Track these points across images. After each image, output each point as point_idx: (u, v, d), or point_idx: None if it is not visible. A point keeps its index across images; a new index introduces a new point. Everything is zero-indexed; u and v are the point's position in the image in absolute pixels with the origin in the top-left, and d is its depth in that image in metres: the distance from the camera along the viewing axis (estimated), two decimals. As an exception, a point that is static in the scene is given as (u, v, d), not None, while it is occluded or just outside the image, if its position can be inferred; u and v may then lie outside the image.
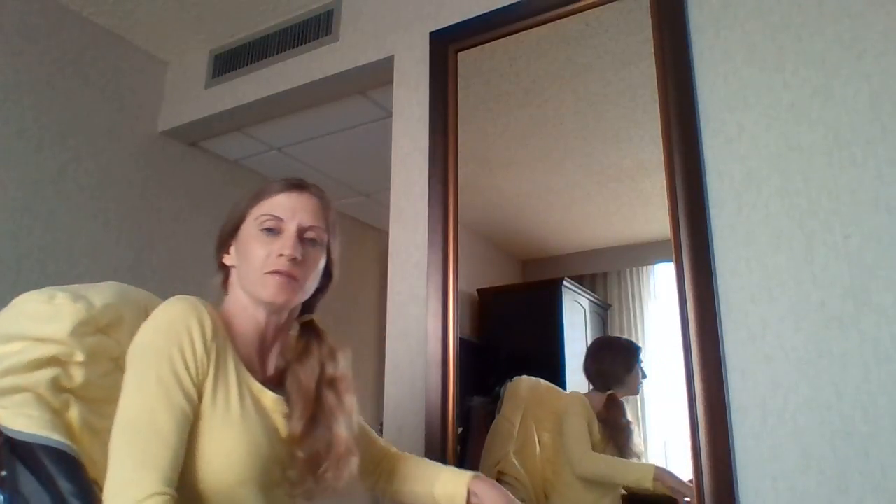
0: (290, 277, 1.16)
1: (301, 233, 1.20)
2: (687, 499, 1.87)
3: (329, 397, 1.21)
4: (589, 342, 2.54)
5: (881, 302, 1.44)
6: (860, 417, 1.42)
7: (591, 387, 2.08)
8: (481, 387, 2.52)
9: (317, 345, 1.27)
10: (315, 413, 1.18)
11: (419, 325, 2.01)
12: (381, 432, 1.97)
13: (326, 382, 1.23)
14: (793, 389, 1.49)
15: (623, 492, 1.94)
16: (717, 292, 1.61)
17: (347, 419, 1.22)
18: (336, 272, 1.30)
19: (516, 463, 2.20)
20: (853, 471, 1.40)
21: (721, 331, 1.59)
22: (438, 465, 1.40)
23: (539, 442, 2.19)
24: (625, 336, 2.47)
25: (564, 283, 2.56)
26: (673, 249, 1.68)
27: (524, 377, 2.39)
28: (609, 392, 2.01)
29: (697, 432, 1.55)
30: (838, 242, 1.51)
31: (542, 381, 2.44)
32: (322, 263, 1.25)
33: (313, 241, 1.22)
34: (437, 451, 1.88)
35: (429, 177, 2.15)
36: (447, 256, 2.01)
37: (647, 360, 2.43)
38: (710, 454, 1.53)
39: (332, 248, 1.27)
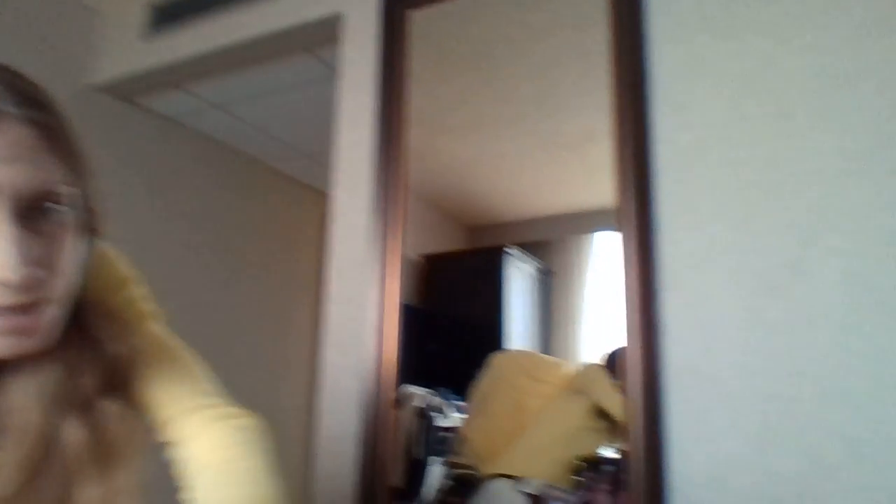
0: (19, 330, 0.65)
1: (20, 211, 0.64)
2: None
3: (70, 431, 0.71)
4: (532, 308, 2.55)
5: (815, 271, 1.47)
6: (785, 382, 1.45)
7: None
8: (422, 355, 2.52)
9: (76, 344, 0.75)
10: (39, 467, 0.69)
11: (360, 290, 1.98)
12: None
13: (76, 403, 0.73)
14: (724, 354, 1.52)
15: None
16: (658, 260, 1.62)
17: (104, 472, 0.74)
18: (99, 219, 0.78)
19: (475, 427, 2.24)
20: (776, 434, 1.44)
21: (660, 300, 1.60)
22: None
23: (522, 408, 2.21)
24: (567, 305, 2.50)
25: (509, 249, 2.56)
26: (617, 217, 1.68)
27: (506, 351, 2.41)
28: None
29: (632, 396, 1.57)
30: (779, 213, 1.53)
31: (528, 352, 2.45)
32: (77, 242, 0.72)
33: (50, 212, 0.67)
34: (374, 417, 1.86)
35: (375, 139, 2.10)
36: (393, 221, 1.97)
37: (588, 330, 2.46)
38: (642, 416, 1.55)
39: (88, 193, 0.74)
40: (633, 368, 1.58)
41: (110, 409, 0.77)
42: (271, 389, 2.13)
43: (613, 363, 1.69)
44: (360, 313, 1.96)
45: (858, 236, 1.45)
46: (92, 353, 0.76)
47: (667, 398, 1.55)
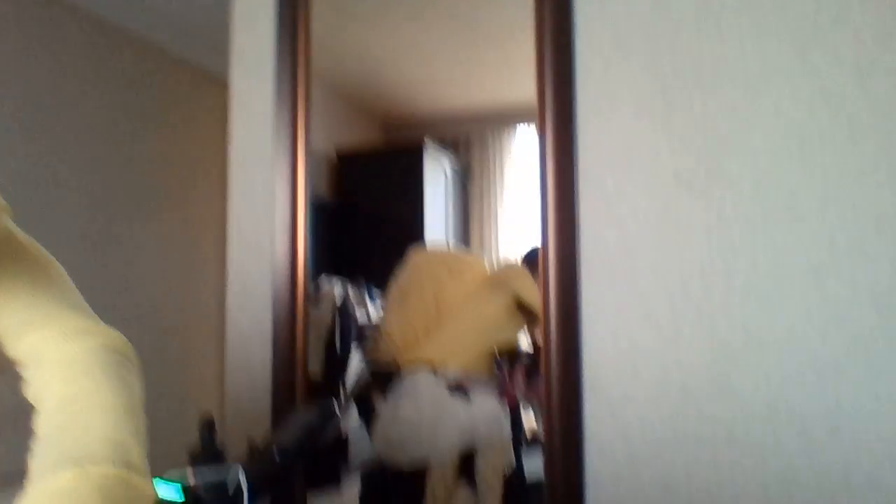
0: None
1: None
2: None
3: None
4: (449, 206, 2.55)
5: (729, 170, 1.51)
6: (697, 278, 1.51)
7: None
8: (339, 252, 2.48)
9: None
10: None
11: (265, 186, 1.89)
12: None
13: None
14: (640, 252, 1.56)
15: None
16: (577, 159, 1.62)
17: None
18: None
19: (394, 321, 2.28)
20: (686, 325, 1.51)
21: (577, 197, 1.61)
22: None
23: (441, 303, 2.23)
24: (485, 201, 2.51)
25: (427, 144, 2.51)
26: (537, 114, 1.65)
27: (425, 247, 2.40)
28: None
29: (548, 291, 1.60)
30: (696, 112, 1.54)
31: (447, 248, 2.44)
32: None
33: None
34: (287, 312, 1.83)
35: (277, 21, 1.95)
36: (296, 110, 1.86)
37: (505, 226, 2.48)
38: (558, 310, 1.59)
39: None
40: (550, 265, 1.60)
41: None
42: (184, 288, 2.06)
43: (533, 261, 1.71)
44: (268, 210, 1.88)
45: (775, 137, 1.49)
46: None
47: (582, 293, 1.59)
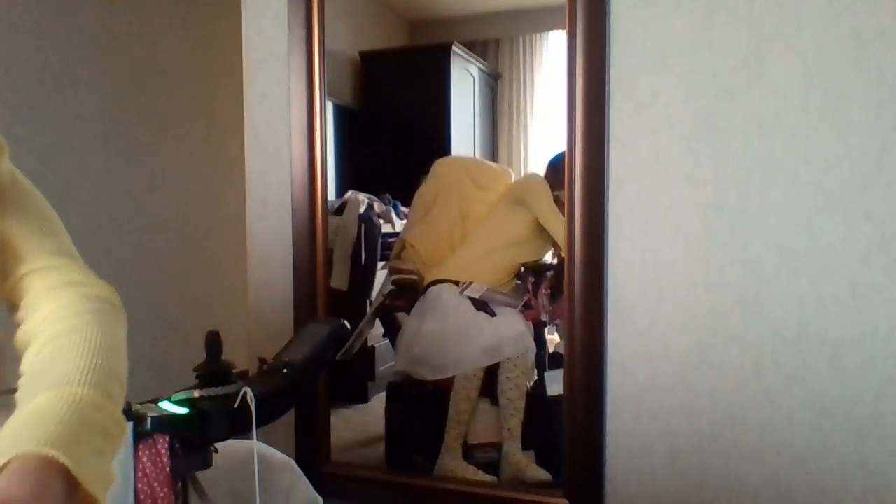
0: None
1: None
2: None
3: None
4: (478, 112, 2.44)
5: (774, 75, 1.38)
6: (733, 193, 1.42)
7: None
8: (364, 164, 2.42)
9: None
10: None
11: (281, 86, 1.80)
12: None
13: None
14: (673, 162, 1.46)
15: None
16: (609, 60, 1.50)
17: None
18: None
19: (419, 232, 2.22)
20: (717, 244, 1.43)
21: (609, 101, 1.50)
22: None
23: (466, 215, 2.18)
24: (514, 109, 2.39)
25: (454, 48, 2.38)
26: (567, 8, 1.52)
27: (450, 157, 2.32)
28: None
29: (573, 205, 1.53)
30: (741, 7, 1.40)
31: (473, 159, 2.37)
32: None
33: None
34: (306, 221, 1.79)
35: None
36: (311, 6, 1.74)
37: (535, 135, 2.37)
38: (583, 225, 1.52)
39: None
40: (577, 176, 1.52)
41: None
42: (208, 196, 2.03)
43: (558, 167, 1.62)
44: (284, 111, 1.80)
45: (823, 35, 1.35)
46: None
47: (609, 207, 1.51)
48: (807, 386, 1.38)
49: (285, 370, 1.10)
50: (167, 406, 0.99)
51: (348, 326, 1.20)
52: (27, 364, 0.69)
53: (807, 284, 1.37)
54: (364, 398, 2.33)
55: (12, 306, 0.78)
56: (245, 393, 1.02)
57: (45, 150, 1.60)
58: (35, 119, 1.58)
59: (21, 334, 0.75)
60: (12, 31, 1.52)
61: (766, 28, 1.38)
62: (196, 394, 1.01)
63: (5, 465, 0.53)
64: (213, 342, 1.09)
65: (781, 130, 1.38)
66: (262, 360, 1.15)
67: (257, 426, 1.03)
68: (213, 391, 1.02)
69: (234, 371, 1.08)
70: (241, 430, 1.03)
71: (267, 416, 1.06)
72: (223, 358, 1.10)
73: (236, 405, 1.01)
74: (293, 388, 1.10)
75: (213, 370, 1.07)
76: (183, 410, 1.00)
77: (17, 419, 0.59)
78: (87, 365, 0.66)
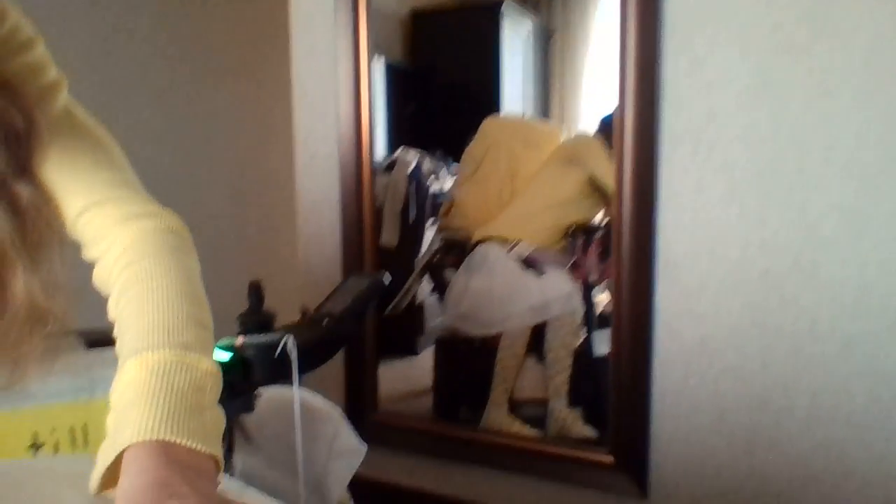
0: None
1: None
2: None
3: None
4: (528, 71, 2.39)
5: (838, 27, 1.30)
6: (792, 152, 1.35)
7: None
8: (415, 121, 2.41)
9: None
10: None
11: (327, 44, 1.80)
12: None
13: None
14: (729, 120, 1.40)
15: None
16: (663, 13, 1.44)
17: (34, 260, 0.68)
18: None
19: (467, 191, 2.22)
20: (774, 204, 1.37)
21: (661, 58, 1.45)
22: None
23: (515, 174, 2.15)
24: (567, 67, 2.33)
25: (506, 4, 2.32)
26: (621, -39, 1.47)
27: (499, 116, 2.30)
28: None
29: (623, 164, 1.49)
30: (806, -45, 1.32)
31: (523, 117, 2.33)
32: None
33: None
34: (353, 177, 1.80)
35: None
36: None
37: (589, 94, 2.31)
38: (633, 184, 1.48)
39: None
40: (627, 135, 1.48)
41: (23, 191, 0.67)
42: (260, 152, 2.05)
43: (610, 128, 1.58)
44: (331, 68, 1.80)
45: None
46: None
47: (661, 166, 1.46)
48: (865, 352, 1.32)
49: (325, 321, 1.12)
50: (212, 352, 1.02)
51: (388, 279, 1.21)
52: (111, 316, 0.71)
53: (869, 248, 1.30)
54: (414, 351, 2.36)
55: (80, 241, 0.77)
56: (286, 341, 1.04)
57: (101, 105, 1.63)
58: (92, 74, 1.61)
59: (96, 278, 0.76)
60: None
61: (834, -23, 1.30)
62: (239, 341, 1.04)
63: (118, 459, 0.57)
64: (256, 291, 1.12)
65: (846, 88, 1.31)
66: (304, 311, 1.17)
67: (298, 374, 1.05)
68: (255, 339, 1.04)
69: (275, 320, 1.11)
70: (282, 377, 1.05)
71: (307, 364, 1.08)
72: (266, 308, 1.13)
73: (277, 353, 1.04)
74: (333, 337, 1.12)
75: (256, 318, 1.10)
76: (226, 356, 1.03)
77: (112, 394, 0.63)
78: (163, 321, 0.67)
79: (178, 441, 0.57)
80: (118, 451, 0.57)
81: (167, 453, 0.57)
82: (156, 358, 0.63)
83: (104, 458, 0.59)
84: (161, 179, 1.79)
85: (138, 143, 1.76)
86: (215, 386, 0.66)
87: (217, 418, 0.64)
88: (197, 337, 0.68)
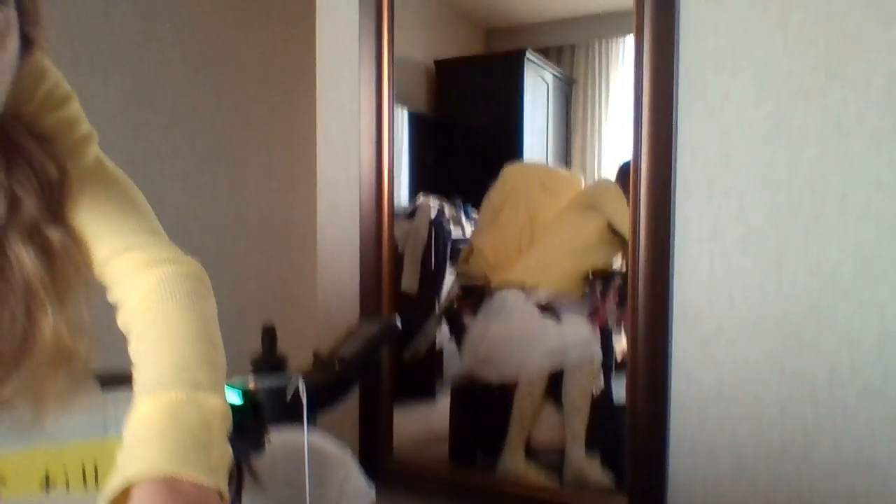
0: None
1: None
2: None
3: (22, 257, 0.70)
4: (551, 118, 2.42)
5: (855, 74, 1.31)
6: (808, 197, 1.35)
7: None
8: (436, 169, 2.44)
9: (8, 165, 0.70)
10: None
11: (352, 94, 1.85)
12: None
13: (22, 228, 0.70)
14: (744, 166, 1.41)
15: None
16: (678, 62, 1.46)
17: (63, 301, 0.72)
18: (39, 26, 0.70)
19: (486, 237, 2.24)
20: (792, 249, 1.36)
21: (676, 104, 1.46)
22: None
23: (534, 221, 2.17)
24: (588, 115, 2.36)
25: (528, 55, 2.37)
26: (634, 14, 1.50)
27: (519, 163, 2.33)
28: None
29: (639, 209, 1.49)
30: (819, 3, 1.34)
31: (543, 164, 2.36)
32: (11, 44, 0.65)
33: None
34: (373, 224, 1.82)
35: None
36: (381, 12, 1.79)
37: (609, 139, 2.33)
38: (648, 230, 1.48)
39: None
40: (643, 181, 1.49)
41: (55, 236, 0.73)
42: (283, 201, 2.10)
43: (627, 175, 1.59)
44: (354, 117, 1.85)
45: (910, 32, 1.27)
46: (26, 174, 0.71)
47: (676, 212, 1.47)
48: (887, 399, 1.29)
49: (336, 364, 1.13)
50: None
51: (399, 324, 1.22)
52: (131, 357, 0.74)
53: (887, 292, 1.28)
54: (432, 396, 2.35)
55: (105, 285, 0.81)
56: (297, 384, 1.05)
57: (135, 152, 1.70)
58: (125, 122, 1.68)
59: (119, 321, 0.79)
60: (108, 31, 1.62)
61: (846, 23, 1.32)
62: (251, 384, 1.05)
63: (126, 492, 0.60)
64: (269, 334, 1.14)
65: (862, 132, 1.31)
66: (316, 354, 1.18)
67: (309, 416, 1.06)
68: (266, 381, 1.06)
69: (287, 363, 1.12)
70: (293, 419, 1.06)
71: (318, 406, 1.09)
72: (280, 351, 1.14)
73: (289, 397, 1.05)
74: (343, 381, 1.13)
75: (268, 361, 1.11)
76: (237, 399, 1.04)
77: (126, 435, 0.66)
78: (178, 361, 0.71)
79: (183, 475, 0.60)
80: (125, 483, 0.60)
81: (172, 488, 0.59)
82: (167, 396, 0.66)
83: (110, 488, 0.61)
84: (192, 224, 1.85)
85: (167, 187, 1.82)
86: (223, 423, 0.69)
87: (224, 453, 0.67)
88: (208, 376, 0.71)
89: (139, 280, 0.78)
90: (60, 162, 0.74)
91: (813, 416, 1.35)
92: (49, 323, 0.71)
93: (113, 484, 0.61)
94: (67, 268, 0.74)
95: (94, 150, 0.82)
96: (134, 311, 0.77)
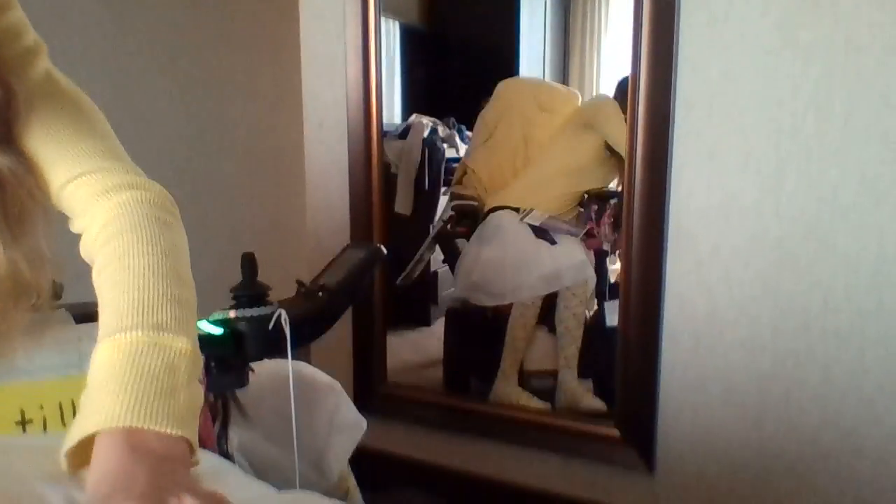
0: None
1: None
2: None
3: None
4: (548, 33, 2.32)
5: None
6: (812, 114, 1.29)
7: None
8: (431, 88, 2.35)
9: None
10: None
11: (336, 4, 1.75)
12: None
13: None
14: (747, 82, 1.34)
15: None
16: (681, -31, 1.37)
17: (17, 232, 0.68)
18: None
19: (480, 157, 2.16)
20: (792, 170, 1.31)
21: (678, 15, 1.38)
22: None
23: (529, 140, 2.10)
24: (587, 29, 2.26)
25: (525, -38, 2.25)
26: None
27: (514, 78, 2.23)
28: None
29: (636, 128, 1.44)
30: None
31: (539, 80, 2.27)
32: None
33: None
34: (362, 143, 1.76)
35: None
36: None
37: (609, 54, 2.24)
38: (645, 149, 1.43)
39: None
40: (641, 97, 1.42)
41: (2, 161, 0.66)
42: (272, 121, 2.03)
43: (625, 91, 1.52)
44: (339, 31, 1.75)
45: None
46: None
47: (675, 131, 1.41)
48: (881, 325, 1.27)
49: (320, 293, 1.10)
50: (203, 325, 1.01)
51: (384, 251, 1.19)
52: (96, 292, 0.69)
53: (888, 217, 1.24)
54: (427, 321, 2.35)
55: (65, 211, 0.75)
56: (280, 315, 1.02)
57: (115, 74, 1.62)
58: (103, 41, 1.59)
59: (82, 252, 0.74)
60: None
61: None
62: (232, 314, 1.03)
63: (89, 440, 0.57)
64: (249, 263, 1.10)
65: (874, 45, 1.23)
66: (300, 283, 1.15)
67: (292, 348, 1.03)
68: (248, 312, 1.03)
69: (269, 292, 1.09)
70: (276, 351, 1.04)
71: (301, 337, 1.06)
72: (260, 280, 1.11)
73: (270, 326, 1.02)
74: (328, 310, 1.10)
75: (249, 292, 1.08)
76: (218, 330, 1.01)
77: (89, 380, 0.62)
78: (138, 300, 0.66)
79: (145, 427, 0.56)
80: (83, 435, 0.57)
81: (132, 441, 0.56)
82: (128, 340, 0.62)
83: (69, 441, 0.58)
84: (179, 149, 1.79)
85: (149, 109, 1.75)
86: (191, 365, 0.64)
87: (192, 398, 0.62)
88: (173, 315, 0.66)
89: (97, 209, 0.72)
90: (3, 77, 0.66)
91: (805, 342, 1.34)
92: (2, 255, 0.65)
93: (71, 436, 0.58)
94: (19, 197, 0.68)
95: (44, 64, 0.74)
96: (93, 243, 0.71)
